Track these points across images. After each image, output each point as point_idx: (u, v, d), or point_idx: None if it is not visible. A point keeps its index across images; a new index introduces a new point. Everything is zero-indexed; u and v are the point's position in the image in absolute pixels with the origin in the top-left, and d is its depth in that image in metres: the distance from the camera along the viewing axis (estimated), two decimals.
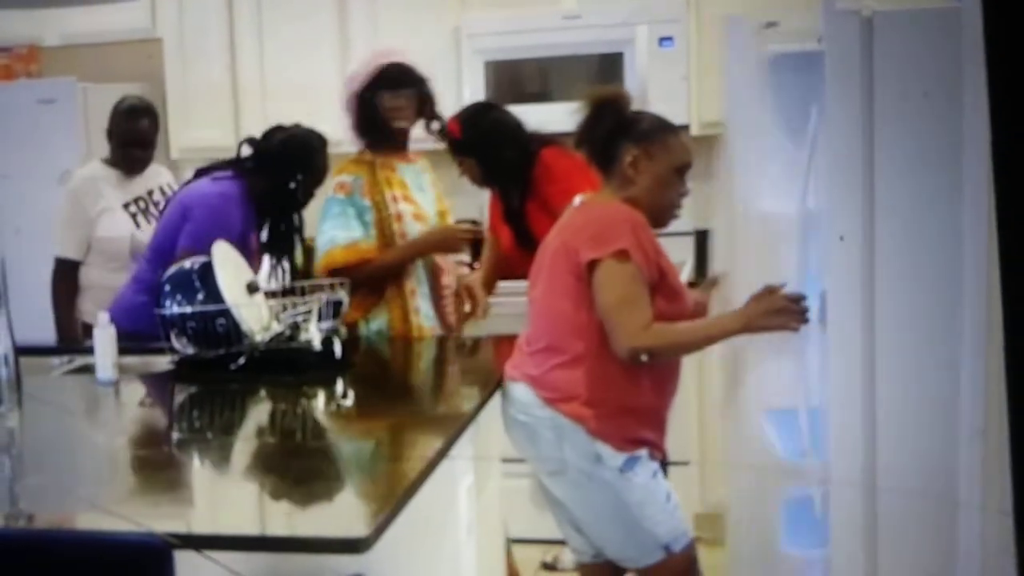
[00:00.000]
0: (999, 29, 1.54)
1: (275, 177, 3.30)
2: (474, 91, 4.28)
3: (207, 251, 3.01)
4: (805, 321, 2.50)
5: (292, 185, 3.29)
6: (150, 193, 3.80)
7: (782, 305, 2.49)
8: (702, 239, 4.41)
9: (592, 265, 2.51)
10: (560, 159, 3.41)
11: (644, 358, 2.50)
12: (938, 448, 2.29)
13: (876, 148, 2.36)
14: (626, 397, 2.56)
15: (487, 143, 3.49)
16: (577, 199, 2.72)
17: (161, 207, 3.65)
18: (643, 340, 2.48)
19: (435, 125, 3.32)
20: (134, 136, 3.79)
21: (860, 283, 2.38)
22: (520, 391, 2.64)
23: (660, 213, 2.62)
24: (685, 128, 4.04)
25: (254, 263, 3.28)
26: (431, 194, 3.32)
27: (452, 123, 3.41)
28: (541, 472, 2.69)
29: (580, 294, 2.54)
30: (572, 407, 2.56)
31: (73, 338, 3.63)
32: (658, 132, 2.61)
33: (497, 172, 3.53)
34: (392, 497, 1.88)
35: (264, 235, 3.37)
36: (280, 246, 3.38)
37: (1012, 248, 1.51)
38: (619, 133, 2.61)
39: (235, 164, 3.37)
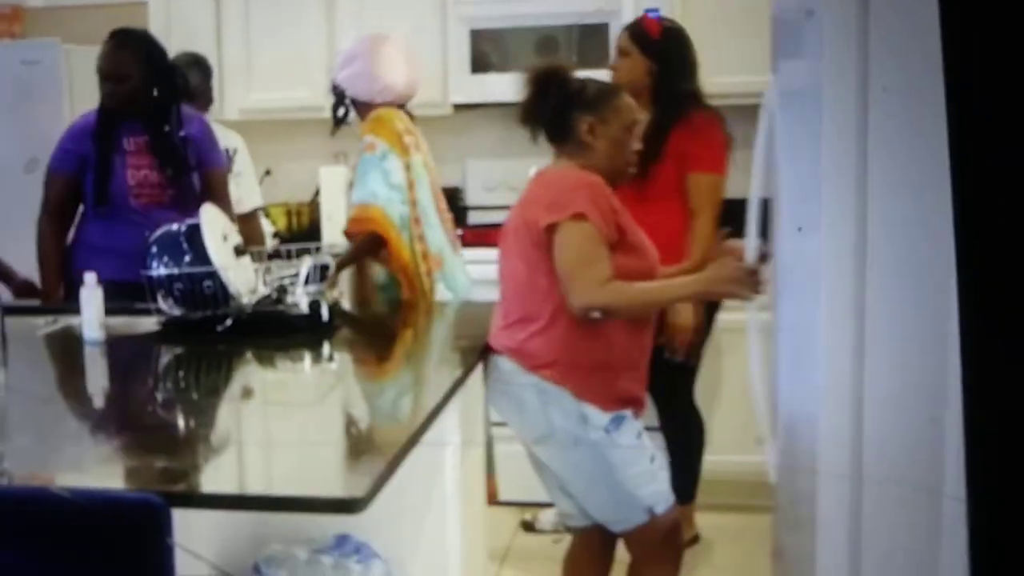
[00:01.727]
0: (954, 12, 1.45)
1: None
2: (459, 59, 4.26)
3: (66, 165, 3.38)
4: (758, 292, 2.55)
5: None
6: None
7: (737, 274, 2.53)
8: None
9: (550, 229, 2.54)
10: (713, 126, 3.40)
11: (596, 315, 2.53)
12: (926, 435, 2.18)
13: (869, 132, 2.14)
14: (602, 354, 2.59)
15: (675, 57, 3.36)
16: (532, 171, 2.76)
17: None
18: (598, 296, 2.51)
19: None
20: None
21: (852, 277, 2.15)
22: (502, 363, 2.66)
23: (618, 172, 2.69)
24: None
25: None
26: None
27: (652, 21, 3.29)
28: (528, 439, 2.71)
29: (541, 261, 2.57)
30: (554, 371, 2.58)
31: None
32: (606, 97, 2.67)
33: (661, 89, 3.38)
34: (384, 459, 1.87)
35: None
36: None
37: (970, 242, 1.43)
38: (569, 104, 2.65)
39: None
